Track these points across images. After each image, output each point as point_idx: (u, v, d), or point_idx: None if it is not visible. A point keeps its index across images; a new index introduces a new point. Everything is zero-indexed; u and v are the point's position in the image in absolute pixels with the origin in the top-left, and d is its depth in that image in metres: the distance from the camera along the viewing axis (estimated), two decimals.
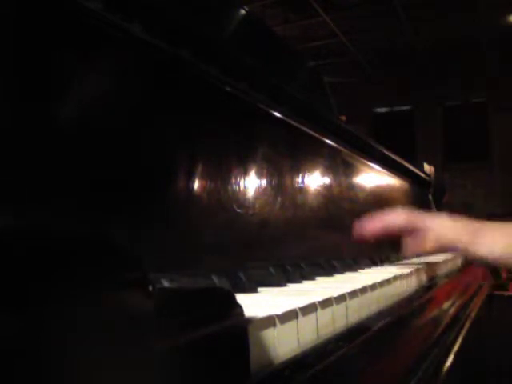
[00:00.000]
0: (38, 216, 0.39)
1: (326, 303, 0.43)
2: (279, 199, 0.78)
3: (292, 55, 1.16)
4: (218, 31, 0.79)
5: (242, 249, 0.68)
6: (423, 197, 1.92)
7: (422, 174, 1.85)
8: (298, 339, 0.36)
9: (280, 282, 0.59)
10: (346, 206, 1.08)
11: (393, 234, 0.81)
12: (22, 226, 0.20)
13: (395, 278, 0.68)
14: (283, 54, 1.10)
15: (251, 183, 0.71)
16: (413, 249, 0.78)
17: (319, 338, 0.40)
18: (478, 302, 1.14)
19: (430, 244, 0.77)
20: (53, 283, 0.17)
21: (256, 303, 0.41)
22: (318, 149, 0.98)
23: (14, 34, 0.39)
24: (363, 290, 0.52)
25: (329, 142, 1.02)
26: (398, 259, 1.11)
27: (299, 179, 0.87)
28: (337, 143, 1.06)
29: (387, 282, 0.63)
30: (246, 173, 0.70)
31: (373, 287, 0.56)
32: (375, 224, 0.80)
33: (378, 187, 1.36)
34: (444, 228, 0.77)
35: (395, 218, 0.80)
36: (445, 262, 1.07)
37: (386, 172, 1.44)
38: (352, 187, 1.14)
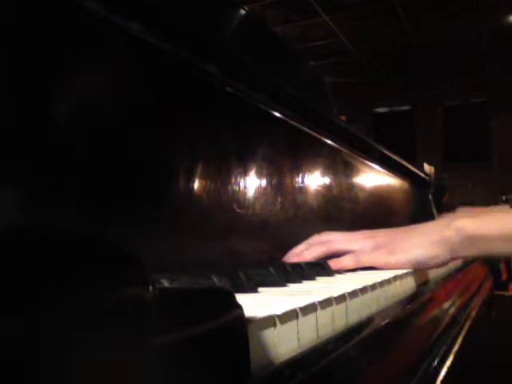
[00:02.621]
0: (37, 216, 0.39)
1: (326, 303, 0.43)
2: (279, 199, 0.78)
3: (292, 55, 1.16)
4: (218, 31, 0.79)
5: (242, 249, 0.68)
6: (423, 197, 1.92)
7: (421, 174, 1.85)
8: (298, 339, 0.36)
9: (280, 282, 0.58)
10: (345, 206, 1.08)
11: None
12: (21, 225, 0.20)
13: (395, 277, 0.68)
14: (283, 54, 1.10)
15: (251, 183, 0.71)
16: (334, 268, 0.73)
17: (319, 337, 0.40)
18: (477, 302, 1.14)
19: (345, 266, 0.73)
20: (52, 283, 0.17)
21: (256, 303, 0.41)
22: (318, 149, 0.98)
23: (14, 34, 0.39)
24: (363, 289, 0.52)
25: (329, 141, 1.02)
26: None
27: (299, 179, 0.87)
28: (337, 143, 1.06)
29: (387, 282, 0.63)
30: (245, 173, 0.70)
31: (373, 287, 0.56)
32: (298, 259, 0.75)
33: (377, 187, 1.36)
34: (359, 248, 0.74)
35: (310, 252, 0.76)
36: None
37: (386, 172, 1.44)
38: (352, 187, 1.14)
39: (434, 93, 6.83)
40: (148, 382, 0.20)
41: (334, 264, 0.73)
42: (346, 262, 0.73)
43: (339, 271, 0.78)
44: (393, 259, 0.72)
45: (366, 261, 0.73)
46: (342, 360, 0.37)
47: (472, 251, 0.73)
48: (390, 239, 0.75)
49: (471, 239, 0.72)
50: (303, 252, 0.78)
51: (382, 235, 0.78)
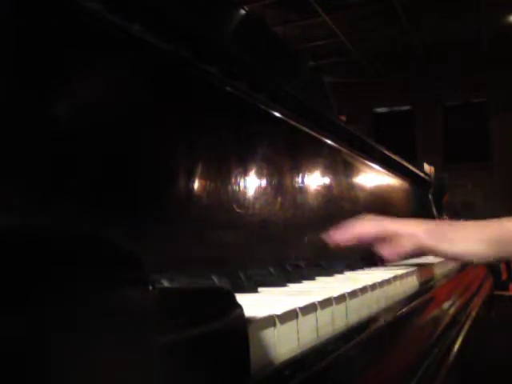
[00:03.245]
0: (37, 216, 0.39)
1: (326, 303, 0.43)
2: (279, 199, 0.78)
3: (292, 55, 1.16)
4: (218, 31, 0.79)
5: (242, 249, 0.68)
6: (423, 197, 1.92)
7: (421, 174, 1.85)
8: (298, 339, 0.36)
9: (280, 282, 0.59)
10: (345, 206, 1.08)
11: (365, 242, 0.80)
12: (21, 225, 0.20)
13: (395, 277, 0.68)
14: (283, 54, 1.10)
15: (251, 183, 0.71)
16: (389, 254, 0.77)
17: (319, 337, 0.40)
18: (477, 302, 1.14)
19: (403, 249, 0.77)
20: (52, 283, 0.17)
21: (256, 303, 0.41)
22: (318, 149, 0.98)
23: (14, 35, 0.39)
24: (363, 289, 0.52)
25: (329, 141, 1.02)
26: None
27: (299, 179, 0.87)
28: (337, 143, 1.06)
29: (387, 282, 0.63)
30: (245, 173, 0.70)
31: (373, 287, 0.56)
32: (345, 235, 0.80)
33: (377, 187, 1.36)
34: (413, 232, 0.77)
35: (364, 227, 0.80)
36: (442, 262, 1.06)
37: (386, 172, 1.44)
38: (352, 187, 1.14)
39: (434, 93, 6.81)
40: (148, 381, 0.20)
41: (392, 247, 0.75)
42: (405, 244, 0.75)
43: (339, 271, 0.78)
44: (442, 247, 0.75)
45: (423, 245, 0.76)
46: (342, 360, 0.37)
47: None
48: (441, 229, 0.78)
49: None
50: (355, 225, 0.80)
51: (432, 225, 0.81)
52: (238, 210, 0.67)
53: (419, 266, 0.86)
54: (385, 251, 0.76)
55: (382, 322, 0.50)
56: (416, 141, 7.11)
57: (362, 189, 1.20)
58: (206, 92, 0.64)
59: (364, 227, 0.80)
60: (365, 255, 0.95)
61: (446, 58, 6.30)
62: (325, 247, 0.91)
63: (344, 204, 1.07)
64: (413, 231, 0.77)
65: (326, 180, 0.99)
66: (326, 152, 1.01)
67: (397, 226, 0.79)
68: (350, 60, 6.37)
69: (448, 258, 0.79)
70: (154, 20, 0.53)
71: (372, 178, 1.31)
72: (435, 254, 0.78)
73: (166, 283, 0.43)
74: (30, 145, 0.39)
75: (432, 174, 2.01)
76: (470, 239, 0.76)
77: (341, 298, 0.46)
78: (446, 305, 0.86)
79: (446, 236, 0.76)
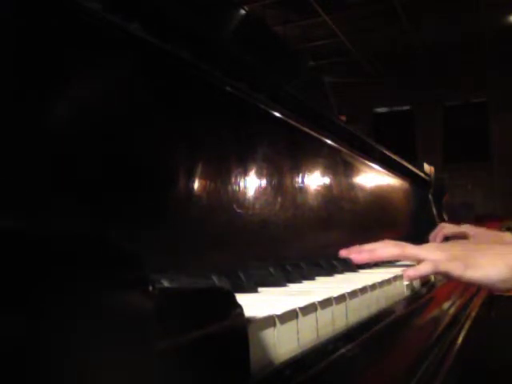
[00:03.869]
0: (37, 216, 0.39)
1: (326, 303, 0.43)
2: (279, 199, 0.78)
3: (292, 55, 1.16)
4: (218, 31, 0.79)
5: (242, 249, 0.68)
6: (423, 197, 1.92)
7: (421, 174, 1.85)
8: (298, 339, 0.36)
9: (280, 282, 0.59)
10: (345, 206, 1.08)
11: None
12: (20, 225, 0.20)
13: (395, 278, 0.68)
14: (283, 54, 1.10)
15: (251, 183, 0.71)
16: (409, 276, 0.74)
17: (319, 338, 0.40)
18: (477, 302, 1.14)
19: (424, 273, 0.75)
20: (52, 283, 0.17)
21: (256, 303, 0.41)
22: (318, 149, 0.98)
23: (13, 34, 0.39)
24: (363, 289, 0.52)
25: (329, 141, 1.02)
26: (398, 260, 1.11)
27: (299, 179, 0.87)
28: (337, 143, 1.06)
29: (387, 282, 0.63)
30: (245, 173, 0.70)
31: (373, 287, 0.56)
32: (363, 257, 0.82)
33: (377, 187, 1.36)
34: (435, 258, 0.75)
35: (385, 252, 0.81)
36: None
37: (386, 172, 1.44)
38: (352, 187, 1.14)
39: (434, 93, 6.82)
40: (148, 380, 0.20)
41: (412, 272, 0.74)
42: (424, 269, 0.74)
43: (339, 271, 0.78)
44: (468, 273, 0.73)
45: (444, 269, 0.74)
46: (342, 360, 0.37)
47: None
48: (466, 254, 0.76)
49: None
50: (377, 249, 0.82)
51: (457, 249, 0.79)
52: (238, 210, 0.67)
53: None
54: (409, 271, 0.74)
55: (382, 322, 0.50)
56: (416, 141, 7.11)
57: (362, 189, 1.20)
58: (206, 92, 0.64)
59: (385, 251, 0.81)
60: None
61: (446, 58, 6.30)
62: (325, 247, 0.91)
63: (344, 204, 1.07)
64: (435, 257, 0.75)
65: (326, 180, 0.99)
66: (326, 152, 1.01)
67: (418, 251, 0.79)
68: (349, 60, 6.38)
69: (475, 284, 0.75)
70: (153, 20, 0.53)
71: (372, 178, 1.31)
72: (460, 280, 0.75)
73: (166, 283, 0.43)
74: (30, 145, 0.39)
75: (432, 174, 2.01)
76: (499, 264, 0.73)
77: (341, 298, 0.46)
78: (445, 305, 0.86)
79: (473, 262, 0.73)
